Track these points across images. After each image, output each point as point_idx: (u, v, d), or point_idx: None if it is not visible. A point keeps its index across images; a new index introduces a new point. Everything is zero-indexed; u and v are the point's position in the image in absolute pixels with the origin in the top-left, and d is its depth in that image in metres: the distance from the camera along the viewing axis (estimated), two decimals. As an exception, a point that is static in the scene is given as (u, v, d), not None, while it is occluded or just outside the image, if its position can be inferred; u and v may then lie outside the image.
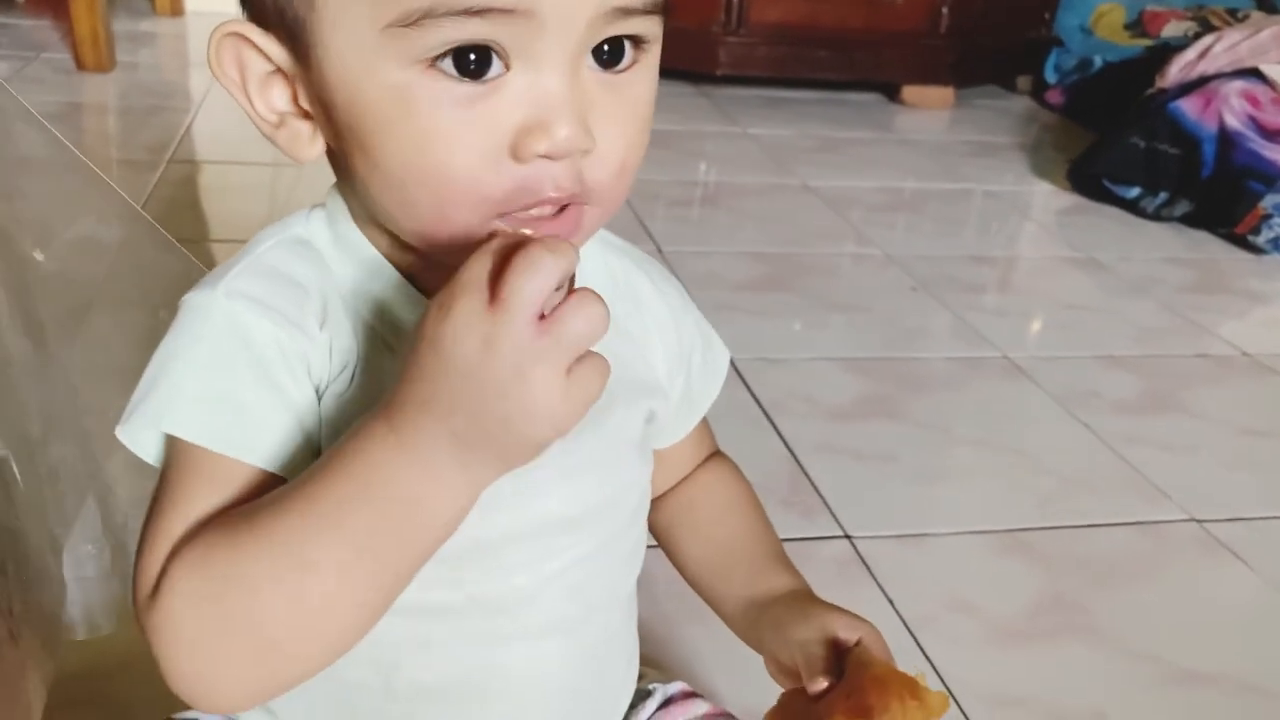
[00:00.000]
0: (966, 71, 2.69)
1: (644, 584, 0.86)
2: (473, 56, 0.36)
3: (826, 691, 0.46)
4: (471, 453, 0.35)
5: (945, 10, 2.56)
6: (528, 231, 0.36)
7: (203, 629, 0.36)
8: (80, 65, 2.23)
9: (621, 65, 0.39)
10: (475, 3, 0.35)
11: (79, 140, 1.91)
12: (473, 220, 0.38)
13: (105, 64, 2.25)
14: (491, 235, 0.35)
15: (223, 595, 0.36)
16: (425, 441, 0.34)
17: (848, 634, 0.47)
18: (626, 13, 0.37)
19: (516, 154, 0.37)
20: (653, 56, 0.41)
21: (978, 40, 2.65)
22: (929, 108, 2.66)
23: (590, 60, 0.38)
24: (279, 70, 0.40)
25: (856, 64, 2.60)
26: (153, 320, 0.60)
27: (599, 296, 0.34)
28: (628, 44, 0.39)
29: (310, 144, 0.41)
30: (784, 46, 2.53)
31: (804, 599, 0.50)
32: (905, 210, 2.00)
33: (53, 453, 0.58)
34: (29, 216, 0.57)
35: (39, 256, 0.59)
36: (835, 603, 0.51)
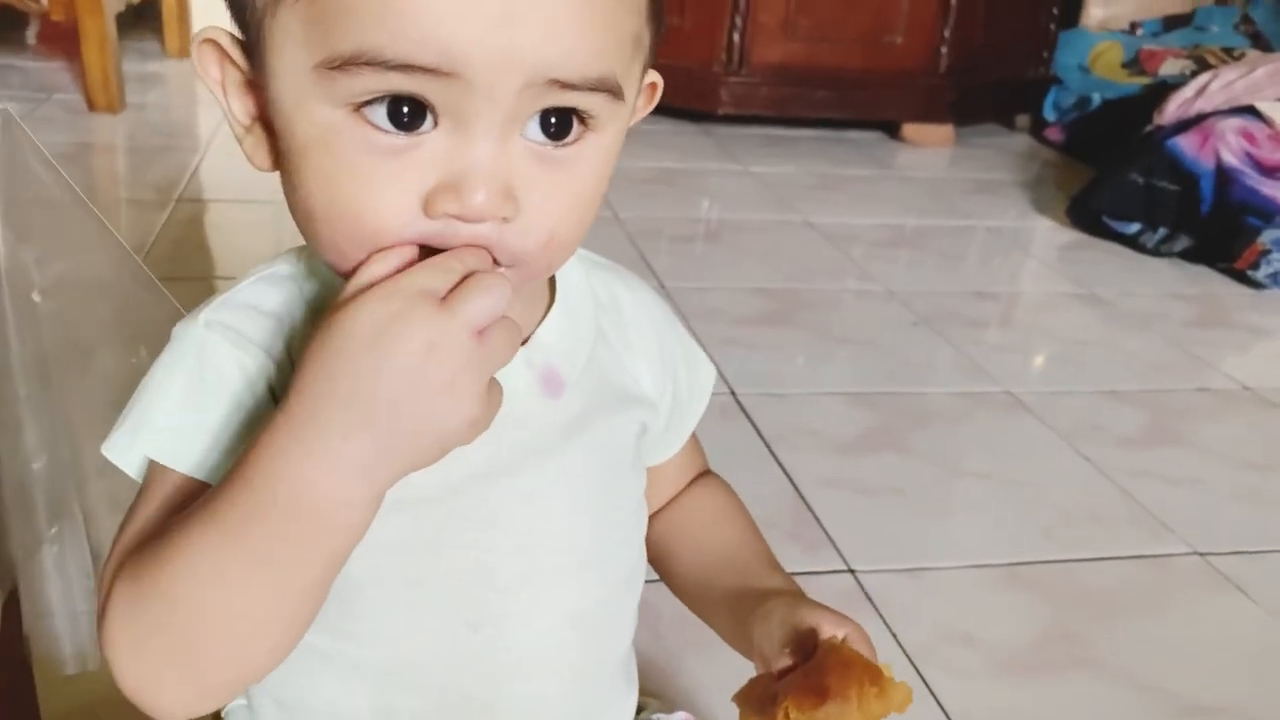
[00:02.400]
0: (966, 110, 2.71)
1: (647, 618, 0.87)
2: (406, 109, 0.36)
3: (791, 671, 0.44)
4: (384, 454, 0.35)
5: (945, 50, 2.59)
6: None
7: (133, 637, 0.37)
8: (91, 106, 2.27)
9: (566, 140, 0.38)
10: (398, 57, 0.34)
11: (89, 180, 1.93)
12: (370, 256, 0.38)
13: (115, 105, 2.28)
14: (427, 250, 0.37)
15: (146, 605, 0.37)
16: (333, 445, 0.35)
17: (832, 629, 0.46)
18: (566, 85, 0.36)
19: (427, 210, 0.37)
20: (604, 137, 0.39)
21: (977, 79, 2.68)
22: (929, 146, 2.69)
23: (535, 131, 0.37)
24: (252, 80, 0.41)
25: (857, 103, 2.63)
26: (134, 359, 0.61)
27: (517, 324, 0.37)
28: (575, 119, 0.38)
29: (268, 155, 0.41)
30: (785, 86, 2.56)
31: (796, 596, 0.50)
32: (907, 246, 2.01)
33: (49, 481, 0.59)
34: (32, 255, 0.58)
35: (36, 298, 0.60)
36: None
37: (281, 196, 0.41)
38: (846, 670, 0.42)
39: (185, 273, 1.54)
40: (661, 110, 2.48)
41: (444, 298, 0.35)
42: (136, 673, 0.38)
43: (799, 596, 0.50)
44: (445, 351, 0.35)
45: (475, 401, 0.36)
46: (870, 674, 0.42)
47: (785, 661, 0.45)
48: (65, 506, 0.59)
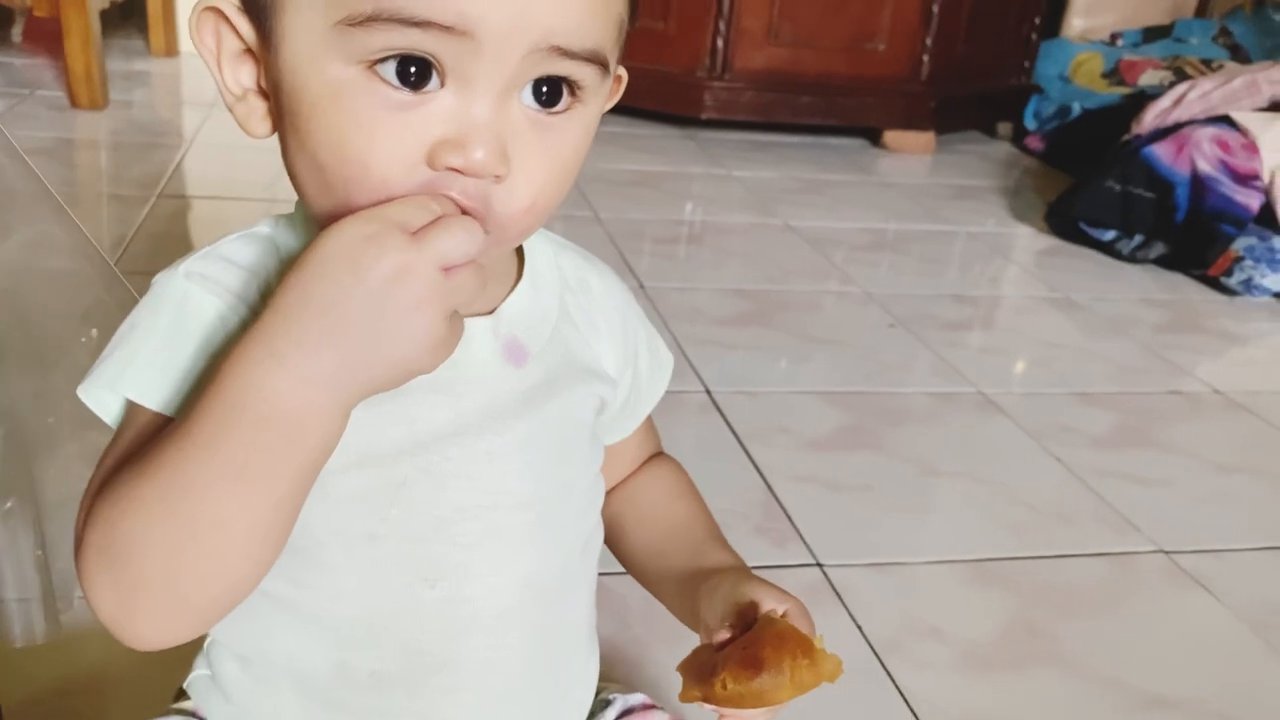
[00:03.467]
0: (948, 117, 2.73)
1: (615, 608, 0.88)
2: (413, 68, 0.38)
3: (729, 643, 0.46)
4: (349, 370, 0.37)
5: (927, 58, 2.61)
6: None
7: (110, 560, 0.38)
8: (74, 103, 2.26)
9: (557, 108, 0.41)
10: (416, 14, 0.37)
11: (69, 175, 1.93)
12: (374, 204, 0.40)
13: (99, 102, 2.28)
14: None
15: (121, 526, 0.38)
16: (303, 356, 0.37)
17: (773, 604, 0.48)
18: (564, 53, 0.39)
19: (430, 162, 0.39)
20: (589, 110, 0.42)
21: (959, 87, 2.71)
22: (911, 152, 2.71)
23: (529, 97, 0.40)
24: (250, 50, 0.43)
25: (839, 109, 2.64)
26: (83, 339, 0.61)
27: (483, 268, 0.39)
28: (565, 88, 0.41)
29: (262, 121, 0.44)
30: (768, 92, 2.57)
31: (741, 572, 0.51)
32: (887, 250, 2.03)
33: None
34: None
35: None
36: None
37: (263, 191, 0.42)
38: (781, 642, 0.44)
39: (164, 267, 1.54)
40: (645, 114, 2.49)
41: (419, 230, 0.38)
42: (114, 599, 0.39)
43: (744, 572, 0.51)
44: (413, 278, 0.37)
45: (437, 328, 0.38)
46: (803, 646, 0.44)
47: (725, 634, 0.47)
48: (18, 482, 0.60)
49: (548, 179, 0.42)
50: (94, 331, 0.60)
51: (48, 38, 2.56)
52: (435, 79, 0.39)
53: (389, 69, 0.38)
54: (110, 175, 2.01)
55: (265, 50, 0.42)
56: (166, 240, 1.66)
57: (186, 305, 0.42)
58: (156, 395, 0.42)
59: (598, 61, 0.40)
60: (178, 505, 0.37)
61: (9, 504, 0.59)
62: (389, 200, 0.39)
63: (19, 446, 0.59)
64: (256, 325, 0.38)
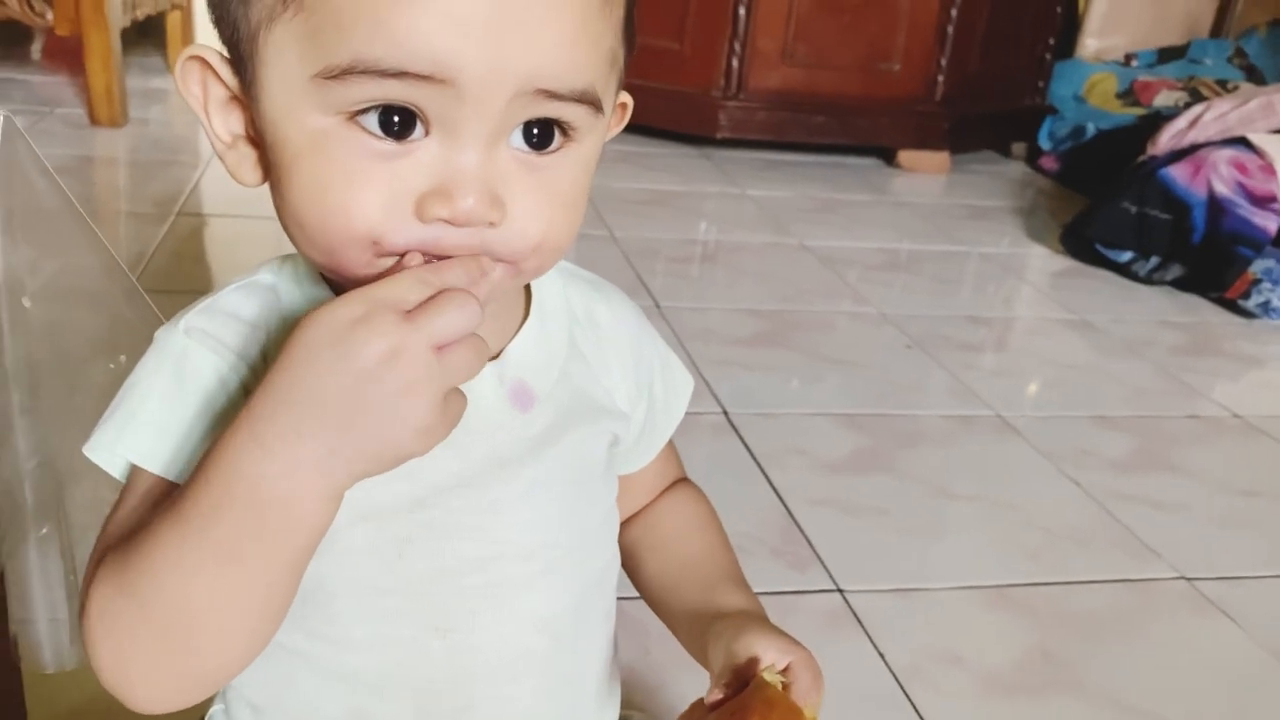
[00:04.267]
0: (962, 137, 2.74)
1: (636, 634, 0.87)
2: (396, 118, 0.37)
3: (722, 703, 0.45)
4: (337, 458, 0.36)
5: (941, 78, 2.62)
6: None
7: (110, 631, 0.38)
8: (94, 120, 2.28)
9: (548, 149, 0.40)
10: (393, 65, 0.36)
11: (89, 193, 1.95)
12: (362, 259, 0.39)
13: (118, 119, 2.30)
14: (402, 258, 0.38)
15: (121, 600, 0.38)
16: (288, 443, 0.36)
17: (776, 657, 0.47)
18: (552, 96, 0.38)
19: (420, 214, 0.38)
20: (584, 147, 0.41)
21: (973, 107, 2.71)
22: (925, 172, 2.71)
23: (519, 139, 0.39)
24: (237, 97, 0.42)
25: (854, 129, 2.65)
26: (112, 365, 0.62)
27: (485, 342, 0.38)
28: (557, 129, 0.40)
29: (254, 170, 0.43)
30: (783, 111, 2.58)
31: (752, 618, 0.50)
32: (902, 271, 2.03)
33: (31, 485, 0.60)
34: (25, 261, 0.59)
35: (26, 303, 0.61)
36: (823, 655, 0.51)
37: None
38: (769, 710, 0.43)
39: (182, 285, 1.55)
40: (660, 133, 2.50)
41: (412, 310, 0.36)
42: (114, 666, 0.39)
43: (749, 620, 0.50)
44: (403, 361, 0.36)
45: (428, 413, 0.36)
46: (791, 715, 0.43)
47: (719, 694, 0.46)
48: (52, 509, 0.60)
49: (553, 214, 0.40)
50: (122, 358, 0.60)
51: (67, 55, 2.58)
52: (420, 128, 0.38)
53: (371, 119, 0.37)
54: (129, 193, 2.03)
55: (249, 101, 0.41)
56: (185, 259, 1.67)
57: (185, 364, 0.42)
58: (156, 459, 0.41)
59: (588, 101, 0.39)
60: (170, 585, 0.37)
61: (44, 530, 0.59)
62: (377, 256, 0.38)
63: (53, 472, 0.59)
64: (246, 408, 0.37)
